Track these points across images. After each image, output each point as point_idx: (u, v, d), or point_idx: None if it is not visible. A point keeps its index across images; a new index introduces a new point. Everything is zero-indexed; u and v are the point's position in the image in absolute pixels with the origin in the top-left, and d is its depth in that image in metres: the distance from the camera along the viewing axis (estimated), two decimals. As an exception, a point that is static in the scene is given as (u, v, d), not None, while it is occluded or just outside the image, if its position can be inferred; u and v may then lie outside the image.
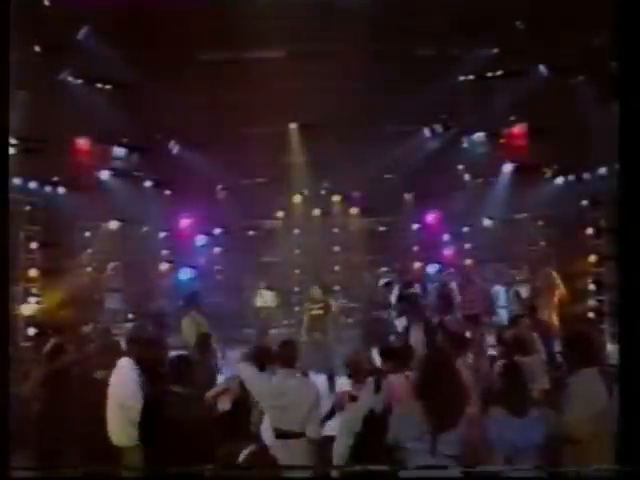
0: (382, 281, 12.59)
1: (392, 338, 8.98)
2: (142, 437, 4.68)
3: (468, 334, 7.47)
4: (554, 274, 9.53)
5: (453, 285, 11.35)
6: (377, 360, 5.72)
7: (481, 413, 4.40)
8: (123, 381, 5.19)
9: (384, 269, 14.21)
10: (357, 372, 4.98)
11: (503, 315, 11.31)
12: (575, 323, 9.08)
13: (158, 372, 5.20)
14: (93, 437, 5.27)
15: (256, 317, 12.51)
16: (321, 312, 9.44)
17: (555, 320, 9.06)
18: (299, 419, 4.73)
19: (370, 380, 4.71)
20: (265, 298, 12.65)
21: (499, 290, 12.12)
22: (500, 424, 3.99)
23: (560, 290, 9.32)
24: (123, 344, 6.20)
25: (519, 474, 3.82)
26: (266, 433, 5.07)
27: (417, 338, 7.74)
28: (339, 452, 4.41)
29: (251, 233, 15.02)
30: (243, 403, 5.06)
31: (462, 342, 6.05)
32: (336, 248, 14.71)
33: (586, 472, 3.62)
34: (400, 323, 9.57)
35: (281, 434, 4.73)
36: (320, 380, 8.30)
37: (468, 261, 12.64)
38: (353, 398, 4.84)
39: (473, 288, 10.54)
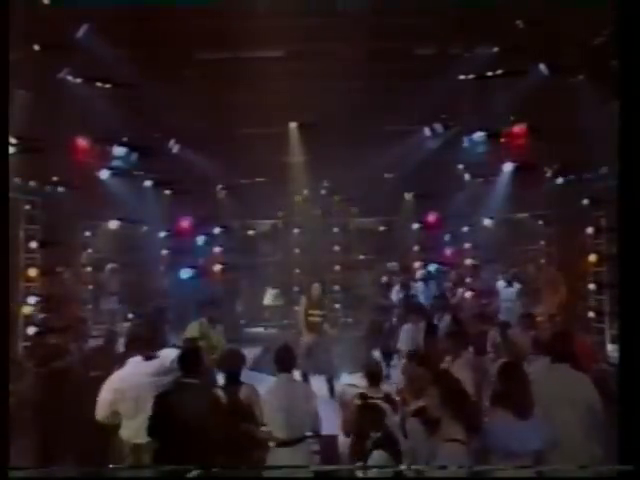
0: (383, 280, 12.57)
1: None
2: (152, 431, 4.61)
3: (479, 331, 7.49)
4: (558, 274, 9.49)
5: (453, 284, 11.32)
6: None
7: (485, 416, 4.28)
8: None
9: (384, 269, 14.20)
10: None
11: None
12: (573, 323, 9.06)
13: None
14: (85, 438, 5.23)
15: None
16: (319, 319, 9.11)
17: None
18: (298, 424, 4.78)
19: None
20: (269, 297, 12.65)
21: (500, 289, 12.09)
22: (500, 427, 3.87)
23: (562, 290, 9.30)
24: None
25: (519, 474, 3.80)
26: None
27: (417, 338, 7.74)
28: None
29: (251, 233, 15.03)
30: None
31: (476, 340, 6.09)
32: (336, 248, 14.71)
33: (586, 472, 3.62)
34: (401, 324, 9.52)
35: (281, 442, 4.75)
36: (319, 383, 8.30)
37: (468, 261, 12.60)
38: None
39: (474, 287, 10.52)
